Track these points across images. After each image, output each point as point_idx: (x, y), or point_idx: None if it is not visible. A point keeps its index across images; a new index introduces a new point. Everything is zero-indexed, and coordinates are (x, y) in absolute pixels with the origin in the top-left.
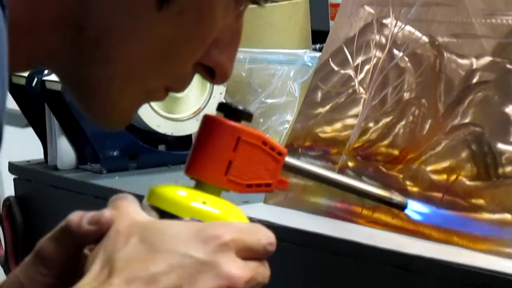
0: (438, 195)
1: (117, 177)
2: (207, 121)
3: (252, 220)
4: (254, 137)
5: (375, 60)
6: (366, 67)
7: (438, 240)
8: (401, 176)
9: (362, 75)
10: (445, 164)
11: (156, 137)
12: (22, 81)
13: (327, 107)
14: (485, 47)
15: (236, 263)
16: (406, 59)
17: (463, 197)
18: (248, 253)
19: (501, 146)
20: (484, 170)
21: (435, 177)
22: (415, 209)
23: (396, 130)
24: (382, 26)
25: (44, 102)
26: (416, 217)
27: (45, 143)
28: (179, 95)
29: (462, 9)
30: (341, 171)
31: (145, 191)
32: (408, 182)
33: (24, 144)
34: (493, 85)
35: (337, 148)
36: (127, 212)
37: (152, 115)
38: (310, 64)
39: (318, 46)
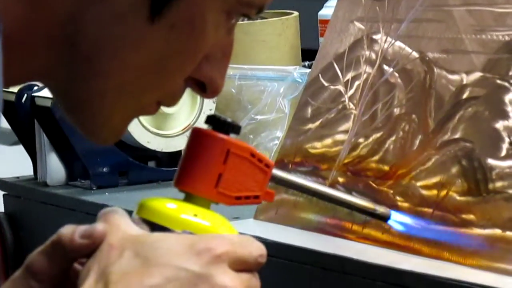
0: (429, 210)
1: (107, 194)
2: (196, 133)
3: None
4: (243, 149)
5: (365, 76)
6: (356, 83)
7: (428, 255)
8: (391, 191)
9: (352, 91)
10: (435, 179)
11: (146, 154)
12: (12, 97)
13: (317, 123)
14: (475, 62)
15: (229, 275)
16: (396, 74)
17: (453, 213)
18: (241, 265)
19: (491, 161)
20: (475, 186)
21: (425, 192)
22: (398, 220)
23: (386, 145)
24: (372, 42)
25: (34, 118)
26: (399, 227)
27: (35, 159)
28: (169, 111)
29: (452, 25)
30: (332, 187)
31: (134, 207)
32: (398, 198)
33: (13, 161)
34: (483, 100)
35: (327, 164)
36: (118, 226)
37: (142, 131)
38: (300, 81)
39: (307, 63)
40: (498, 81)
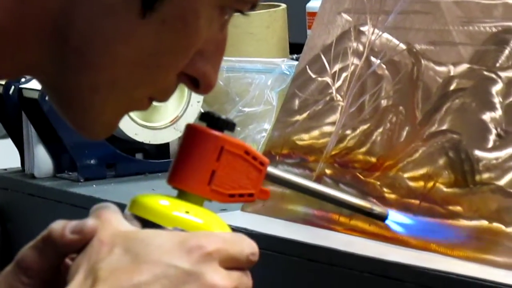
0: (416, 202)
1: (94, 186)
2: (190, 130)
3: (232, 228)
4: (237, 146)
5: (352, 67)
6: (344, 75)
7: (415, 247)
8: (378, 183)
9: (340, 82)
10: (422, 171)
11: (133, 146)
12: None
13: (305, 115)
14: (463, 54)
15: (220, 273)
16: (384, 66)
17: (440, 204)
18: (232, 263)
19: (478, 153)
20: (462, 177)
21: (412, 184)
22: (396, 219)
23: (374, 137)
24: (359, 33)
25: (21, 110)
26: (397, 228)
27: (22, 151)
28: (157, 103)
29: (440, 17)
30: (319, 178)
31: (122, 199)
32: (385, 189)
33: (1, 153)
34: (470, 92)
35: (314, 155)
36: (109, 222)
37: (129, 124)
38: (288, 73)
39: (295, 56)
40: (485, 73)
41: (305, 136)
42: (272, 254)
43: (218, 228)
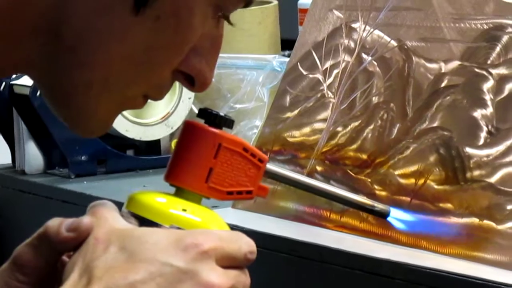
0: (406, 199)
1: (85, 182)
2: (188, 127)
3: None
4: (235, 143)
5: (343, 64)
6: (335, 71)
7: (406, 244)
8: (369, 180)
9: (331, 79)
10: (413, 168)
11: (124, 142)
12: None
13: (296, 112)
14: (454, 51)
15: (216, 271)
16: (375, 63)
17: (431, 201)
18: (229, 262)
19: (469, 150)
20: (452, 174)
21: (403, 181)
22: (397, 217)
23: (365, 134)
24: (350, 30)
25: (12, 106)
26: (399, 225)
27: (13, 147)
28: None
29: (431, 14)
30: (310, 175)
31: (113, 196)
32: (376, 186)
33: None
34: (461, 89)
35: (305, 152)
36: (106, 219)
37: (120, 120)
38: (279, 69)
39: (287, 52)
40: (476, 70)
41: (296, 132)
42: (263, 251)
43: (216, 226)
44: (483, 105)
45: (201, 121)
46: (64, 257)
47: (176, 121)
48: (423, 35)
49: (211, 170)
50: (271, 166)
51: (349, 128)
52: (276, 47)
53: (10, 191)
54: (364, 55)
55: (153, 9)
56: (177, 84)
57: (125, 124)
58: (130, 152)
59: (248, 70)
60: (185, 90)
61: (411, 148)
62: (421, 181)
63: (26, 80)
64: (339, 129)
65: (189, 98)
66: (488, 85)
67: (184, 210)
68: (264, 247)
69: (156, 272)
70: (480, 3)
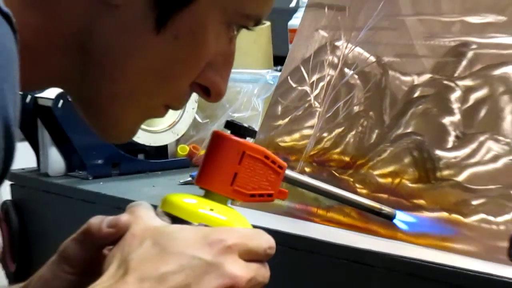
0: (384, 196)
1: (101, 183)
2: (216, 137)
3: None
4: (257, 151)
5: (328, 77)
6: (321, 84)
7: (384, 236)
8: (351, 179)
9: (317, 91)
10: (390, 169)
11: (136, 147)
12: None
13: (286, 120)
14: (425, 65)
15: (238, 264)
16: (356, 76)
17: (406, 198)
18: (250, 256)
19: (439, 152)
20: (424, 174)
21: (381, 180)
22: (402, 219)
23: (347, 139)
24: (334, 48)
25: (36, 116)
26: (403, 226)
27: (38, 153)
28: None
29: (405, 33)
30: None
31: (126, 195)
32: (357, 185)
33: (19, 155)
34: (432, 99)
35: (295, 155)
36: (141, 217)
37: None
38: (272, 83)
39: (279, 67)
40: (445, 82)
41: (287, 138)
42: None
43: (240, 224)
44: (451, 113)
45: (227, 132)
46: (105, 251)
47: (181, 129)
48: (398, 51)
49: (236, 174)
50: (290, 172)
51: (333, 134)
52: (269, 63)
53: (35, 191)
54: (346, 70)
55: (172, 29)
56: None
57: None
58: (141, 156)
59: (244, 83)
60: (189, 101)
61: (388, 151)
62: (397, 180)
63: (48, 93)
64: (325, 134)
65: (193, 109)
66: (455, 95)
67: (211, 210)
68: None
69: (185, 264)
70: (447, 24)
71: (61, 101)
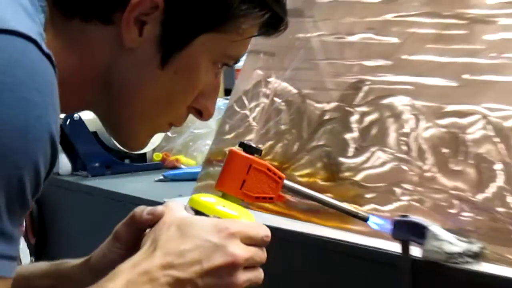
0: None
1: (97, 180)
2: (231, 153)
3: None
4: (262, 165)
5: (262, 104)
6: (257, 109)
7: (303, 219)
8: None
9: (254, 114)
10: (307, 171)
11: (123, 154)
12: None
13: (232, 135)
14: (333, 96)
15: (239, 246)
16: (283, 104)
17: (318, 192)
18: (249, 241)
19: (342, 159)
20: (331, 175)
21: (300, 179)
22: (374, 221)
23: (276, 149)
24: (267, 83)
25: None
26: (375, 226)
27: None
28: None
29: (318, 72)
30: None
31: (115, 189)
32: None
33: None
34: (337, 120)
35: None
36: (172, 210)
37: None
38: (222, 108)
39: (228, 97)
40: (347, 108)
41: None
42: None
43: (245, 218)
44: (351, 131)
45: (240, 150)
46: (145, 232)
47: (156, 141)
48: (313, 86)
49: (244, 181)
50: (287, 182)
51: (266, 145)
52: (220, 93)
53: (49, 185)
54: (275, 99)
55: (173, 66)
56: None
57: None
58: (127, 161)
59: None
60: None
61: (305, 158)
62: (312, 179)
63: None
64: (260, 146)
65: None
66: (354, 118)
67: (224, 206)
68: None
69: (199, 244)
70: (349, 66)
71: (68, 120)
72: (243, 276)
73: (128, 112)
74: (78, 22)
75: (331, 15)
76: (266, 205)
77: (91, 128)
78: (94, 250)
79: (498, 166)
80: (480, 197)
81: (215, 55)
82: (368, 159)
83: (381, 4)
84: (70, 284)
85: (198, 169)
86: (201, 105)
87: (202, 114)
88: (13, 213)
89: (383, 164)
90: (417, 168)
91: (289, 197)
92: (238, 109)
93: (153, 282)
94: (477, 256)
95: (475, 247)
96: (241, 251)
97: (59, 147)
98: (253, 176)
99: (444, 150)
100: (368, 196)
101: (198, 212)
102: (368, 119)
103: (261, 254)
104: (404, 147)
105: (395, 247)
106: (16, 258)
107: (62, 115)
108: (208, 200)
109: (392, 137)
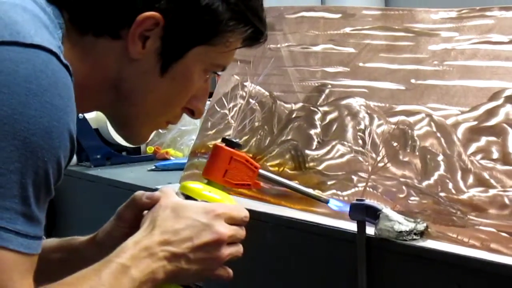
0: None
1: (99, 169)
2: (216, 147)
3: None
4: (241, 157)
5: (239, 105)
6: (235, 109)
7: (274, 203)
8: None
9: (232, 113)
10: (277, 161)
11: (121, 148)
12: None
13: (214, 131)
14: (299, 98)
15: (224, 225)
16: (256, 104)
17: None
18: (232, 221)
19: (307, 151)
20: (298, 165)
21: (272, 169)
22: (333, 203)
23: (251, 143)
24: (243, 86)
25: None
26: (335, 208)
27: None
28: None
29: (287, 77)
30: None
31: (114, 177)
32: None
33: None
34: (303, 118)
35: None
36: (167, 195)
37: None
38: (206, 108)
39: (210, 99)
40: (312, 108)
41: (213, 142)
42: None
43: (228, 201)
44: (315, 127)
45: (222, 144)
46: (144, 214)
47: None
48: (283, 89)
49: (226, 171)
50: (262, 171)
51: (242, 139)
52: None
53: None
54: (250, 100)
55: (171, 74)
56: None
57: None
58: (124, 153)
59: None
60: None
61: (276, 151)
62: (281, 169)
63: None
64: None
65: None
66: (317, 116)
67: (210, 191)
68: None
69: (190, 224)
70: (313, 72)
71: None
72: (227, 251)
73: (134, 112)
74: (90, 37)
75: (298, 28)
76: (243, 190)
77: (94, 125)
78: (98, 229)
79: (440, 157)
80: (425, 183)
81: (206, 64)
82: (329, 151)
83: (340, 19)
84: (79, 257)
85: (185, 161)
86: (194, 106)
87: (194, 114)
88: (40, 200)
89: (342, 155)
90: (371, 159)
91: (262, 184)
92: (218, 109)
93: (153, 256)
94: (422, 234)
95: (421, 226)
96: (225, 230)
97: (75, 142)
98: (234, 166)
99: (394, 144)
100: (329, 183)
101: (188, 197)
102: (329, 117)
103: (241, 232)
104: (360, 141)
105: (353, 226)
106: (41, 238)
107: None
108: (196, 186)
109: (350, 133)
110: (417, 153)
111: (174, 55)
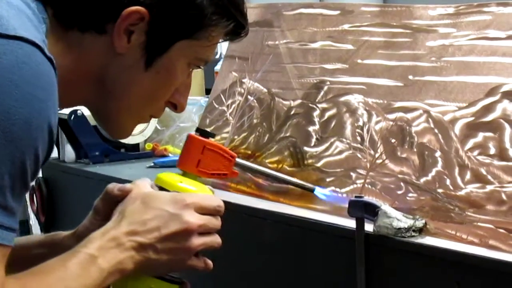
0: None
1: (97, 166)
2: (189, 137)
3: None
4: (214, 146)
5: (237, 101)
6: (233, 106)
7: (272, 200)
8: None
9: (231, 110)
10: (276, 158)
11: (119, 145)
12: None
13: (212, 128)
14: (298, 94)
15: (193, 215)
16: (255, 101)
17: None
18: (203, 210)
19: (306, 148)
20: (297, 162)
21: (271, 165)
22: (320, 191)
23: (250, 140)
24: (241, 83)
25: (58, 125)
26: (322, 197)
27: (58, 147)
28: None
29: (285, 74)
30: None
31: (112, 174)
32: None
33: None
34: (302, 115)
35: None
36: (139, 187)
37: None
38: (204, 105)
39: (208, 95)
40: (310, 105)
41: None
42: None
43: (201, 191)
44: (314, 124)
45: (196, 134)
46: (117, 206)
47: (148, 133)
48: (281, 86)
49: (200, 160)
50: (239, 160)
51: (241, 136)
52: (202, 92)
53: (57, 171)
54: (249, 97)
55: (155, 67)
56: None
57: None
58: (123, 150)
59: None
60: None
61: (274, 147)
62: (280, 166)
63: (65, 111)
64: (235, 137)
65: (155, 120)
66: (316, 113)
67: (182, 182)
68: None
69: (158, 214)
70: (312, 69)
71: (73, 115)
72: (197, 241)
73: (118, 106)
74: (75, 31)
75: (296, 25)
76: (241, 188)
77: (92, 122)
78: None
79: (437, 154)
80: (423, 180)
81: (190, 58)
82: (328, 148)
83: (339, 16)
84: (60, 253)
85: None
86: (177, 101)
87: (177, 107)
88: (16, 191)
89: (340, 152)
90: (370, 156)
91: (260, 180)
92: (217, 106)
93: (120, 246)
94: (421, 231)
95: (419, 223)
96: (194, 219)
97: (55, 136)
98: (207, 155)
99: (393, 140)
100: (328, 179)
101: (161, 188)
102: (328, 114)
103: (214, 222)
104: (359, 138)
105: (351, 223)
106: (16, 230)
107: (66, 110)
108: (170, 177)
109: (348, 129)
110: (415, 150)
111: (158, 49)
